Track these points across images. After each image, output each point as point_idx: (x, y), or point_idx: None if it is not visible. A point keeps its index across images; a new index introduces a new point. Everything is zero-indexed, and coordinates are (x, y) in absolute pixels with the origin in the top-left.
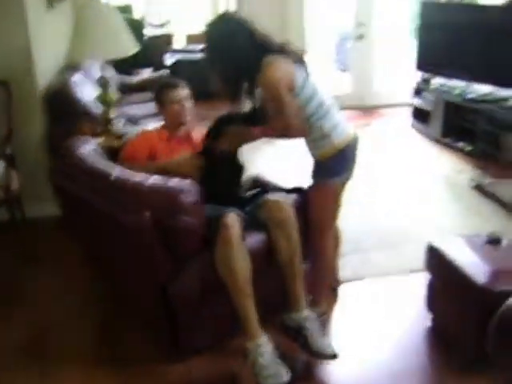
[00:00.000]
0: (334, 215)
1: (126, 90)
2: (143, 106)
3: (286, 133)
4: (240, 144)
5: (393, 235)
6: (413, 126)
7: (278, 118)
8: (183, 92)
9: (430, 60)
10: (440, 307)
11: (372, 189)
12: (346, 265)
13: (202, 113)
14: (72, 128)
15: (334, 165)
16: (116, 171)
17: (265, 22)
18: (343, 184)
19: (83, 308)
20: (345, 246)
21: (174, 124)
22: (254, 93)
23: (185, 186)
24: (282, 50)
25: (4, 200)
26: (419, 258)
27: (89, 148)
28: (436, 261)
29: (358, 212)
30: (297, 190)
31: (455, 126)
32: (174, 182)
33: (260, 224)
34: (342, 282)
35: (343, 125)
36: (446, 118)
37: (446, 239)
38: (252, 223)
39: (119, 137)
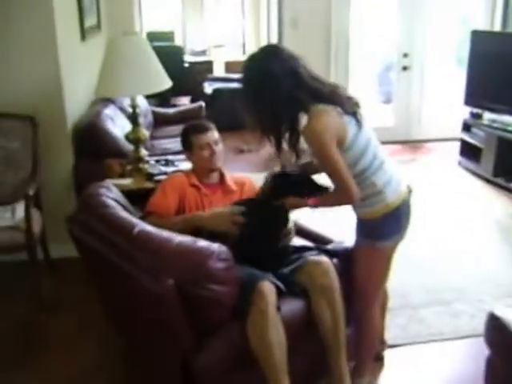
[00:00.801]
0: (384, 281)
1: (162, 122)
2: (178, 140)
3: (346, 202)
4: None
5: (443, 289)
6: (460, 163)
7: (333, 181)
8: (212, 135)
9: (478, 94)
10: None
11: (418, 236)
12: (392, 323)
13: (240, 145)
14: (100, 166)
15: (386, 226)
16: (139, 226)
17: (307, 52)
18: (395, 247)
19: (97, 367)
20: (392, 301)
21: (203, 170)
22: (297, 146)
23: (215, 249)
24: (333, 97)
25: (24, 245)
26: (475, 318)
27: (110, 196)
28: (498, 335)
29: (404, 261)
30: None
31: (509, 164)
32: (203, 243)
33: (297, 290)
34: (388, 346)
35: (396, 179)
36: (498, 156)
37: (509, 308)
38: (288, 289)
39: (150, 177)
